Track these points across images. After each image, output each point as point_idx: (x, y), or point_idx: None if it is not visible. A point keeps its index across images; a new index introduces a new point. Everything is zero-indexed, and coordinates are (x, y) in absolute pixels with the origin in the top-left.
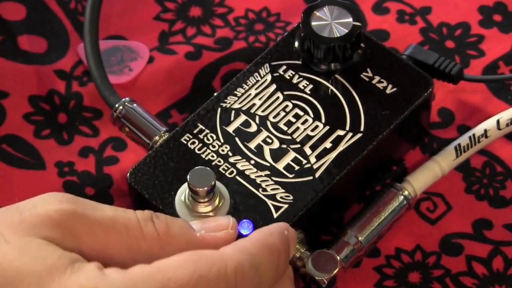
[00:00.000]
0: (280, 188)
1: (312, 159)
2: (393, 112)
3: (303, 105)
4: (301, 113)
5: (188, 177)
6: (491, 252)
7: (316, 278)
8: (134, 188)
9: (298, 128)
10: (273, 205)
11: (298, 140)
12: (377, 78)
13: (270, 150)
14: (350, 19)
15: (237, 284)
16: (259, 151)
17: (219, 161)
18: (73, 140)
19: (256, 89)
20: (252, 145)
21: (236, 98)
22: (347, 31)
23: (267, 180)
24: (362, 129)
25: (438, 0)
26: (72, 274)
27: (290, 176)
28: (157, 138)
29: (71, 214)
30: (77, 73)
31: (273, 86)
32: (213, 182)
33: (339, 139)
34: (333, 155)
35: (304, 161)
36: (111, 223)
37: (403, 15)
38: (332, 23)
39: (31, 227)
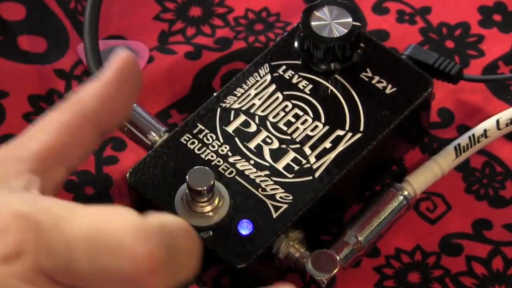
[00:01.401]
0: (280, 188)
1: (312, 159)
2: (392, 112)
3: (303, 105)
4: (301, 113)
5: (187, 177)
6: (490, 252)
7: (316, 278)
8: (134, 188)
9: (297, 128)
10: (272, 205)
11: (297, 140)
12: (376, 78)
13: (270, 150)
14: (350, 19)
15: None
16: (258, 151)
17: (219, 161)
18: None
19: (255, 89)
20: (252, 145)
21: (236, 98)
22: (346, 31)
23: (267, 180)
24: (361, 129)
25: (438, 0)
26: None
27: (290, 176)
28: (157, 138)
29: None
30: (77, 72)
31: (273, 86)
32: (212, 182)
33: (338, 139)
34: (332, 155)
35: (304, 161)
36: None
37: (403, 15)
38: (331, 23)
39: None
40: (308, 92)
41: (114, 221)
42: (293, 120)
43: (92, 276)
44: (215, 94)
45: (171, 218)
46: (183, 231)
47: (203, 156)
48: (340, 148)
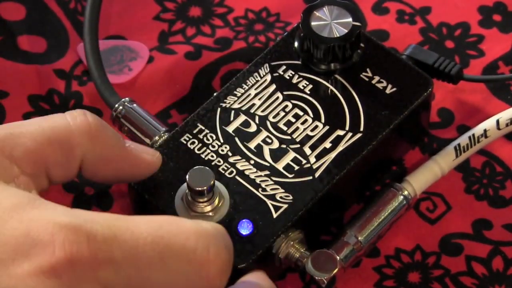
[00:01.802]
0: (280, 188)
1: (312, 159)
2: (392, 112)
3: (303, 105)
4: (301, 113)
5: (187, 176)
6: (490, 252)
7: (316, 278)
8: (134, 188)
9: (297, 128)
10: (272, 205)
11: (297, 140)
12: (376, 78)
13: (270, 150)
14: (350, 19)
15: None
16: (258, 151)
17: (219, 161)
18: None
19: (255, 89)
20: (252, 145)
21: (236, 98)
22: (346, 31)
23: (267, 180)
24: (361, 129)
25: (438, 0)
26: (34, 208)
27: (290, 176)
28: (156, 138)
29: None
30: (77, 72)
31: (273, 86)
32: (212, 182)
33: (338, 139)
34: (332, 155)
35: (304, 161)
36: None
37: (403, 15)
38: (331, 23)
39: None
40: (308, 92)
41: (175, 228)
42: (293, 120)
43: (163, 283)
44: (215, 94)
45: (211, 223)
46: (224, 233)
47: (203, 156)
48: (340, 148)
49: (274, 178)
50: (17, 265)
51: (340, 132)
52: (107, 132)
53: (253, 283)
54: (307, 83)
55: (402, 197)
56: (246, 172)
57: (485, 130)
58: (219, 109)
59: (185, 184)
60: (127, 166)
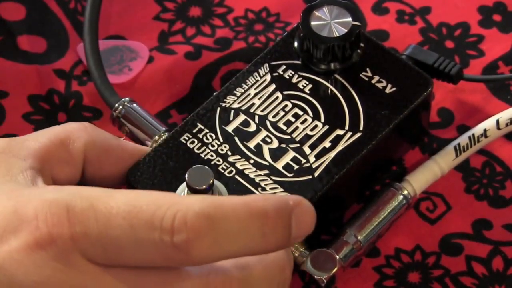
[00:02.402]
0: (279, 187)
1: (311, 159)
2: (392, 112)
3: (303, 104)
4: (301, 113)
5: (186, 175)
6: (490, 252)
7: (315, 277)
8: (134, 187)
9: (297, 127)
10: None
11: (297, 139)
12: (376, 78)
13: (269, 149)
14: (350, 19)
15: None
16: (258, 150)
17: (218, 161)
18: None
19: (255, 88)
20: (252, 144)
21: (236, 98)
22: (346, 30)
23: (266, 180)
24: (361, 128)
25: (438, 0)
26: (27, 188)
27: (289, 175)
28: (156, 137)
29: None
30: (77, 72)
31: (273, 86)
32: (211, 181)
33: (338, 139)
34: (332, 154)
35: (303, 161)
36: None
37: (403, 15)
38: (331, 23)
39: None
40: (308, 92)
41: (149, 198)
42: (292, 119)
43: (133, 251)
44: (215, 93)
45: (230, 198)
46: (234, 208)
47: (202, 155)
48: (340, 147)
49: (273, 178)
50: (4, 242)
51: (340, 132)
52: (101, 130)
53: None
54: (307, 82)
55: (401, 196)
56: (246, 172)
57: (485, 130)
58: (218, 109)
59: (184, 183)
60: (127, 156)
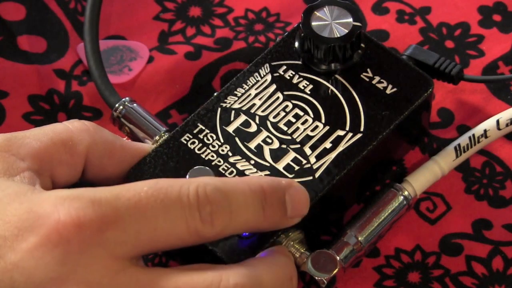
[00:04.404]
0: None
1: (312, 159)
2: (393, 112)
3: (303, 105)
4: (301, 113)
5: (187, 176)
6: (490, 252)
7: (316, 278)
8: None
9: (298, 128)
10: None
11: (298, 140)
12: (377, 78)
13: (270, 150)
14: (350, 19)
15: None
16: (259, 151)
17: (219, 161)
18: None
19: (256, 89)
20: (252, 145)
21: (236, 98)
22: (347, 31)
23: None
24: (362, 129)
25: (438, 0)
26: (34, 194)
27: (290, 176)
28: (157, 138)
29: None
30: (77, 72)
31: (273, 86)
32: None
33: (339, 139)
34: (333, 155)
35: (304, 161)
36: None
37: (403, 15)
38: (332, 23)
39: None
40: (309, 92)
41: (169, 180)
42: (293, 120)
43: (168, 230)
44: (215, 94)
45: (230, 178)
46: (237, 184)
47: (203, 156)
48: (341, 148)
49: None
50: (21, 240)
51: (341, 133)
52: (104, 130)
53: (274, 253)
54: (308, 83)
55: (402, 197)
56: (246, 172)
57: (485, 130)
58: (219, 109)
59: None
60: (129, 157)
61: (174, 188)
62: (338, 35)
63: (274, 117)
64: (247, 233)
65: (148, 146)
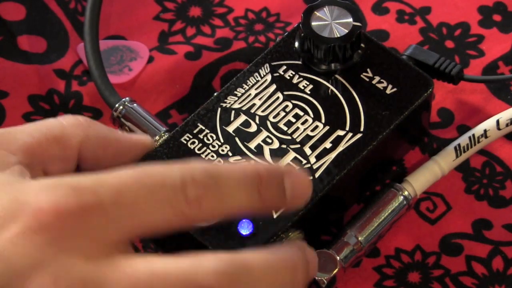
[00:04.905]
0: None
1: (312, 159)
2: (393, 112)
3: (303, 105)
4: (301, 113)
5: None
6: (490, 252)
7: (316, 278)
8: None
9: (298, 128)
10: None
11: (298, 140)
12: (377, 78)
13: (270, 150)
14: (350, 19)
15: None
16: (259, 151)
17: (219, 161)
18: None
19: (256, 89)
20: (252, 145)
21: (236, 98)
22: (347, 31)
23: None
24: (362, 129)
25: (438, 0)
26: (20, 183)
27: None
28: (157, 138)
29: None
30: (77, 72)
31: (273, 86)
32: None
33: (339, 139)
34: (333, 155)
35: (304, 161)
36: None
37: (403, 15)
38: (332, 23)
39: None
40: (309, 92)
41: (156, 166)
42: (293, 120)
43: (151, 215)
44: (215, 94)
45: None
46: (231, 169)
47: (203, 156)
48: (340, 148)
49: None
50: (4, 229)
51: (341, 133)
52: (98, 123)
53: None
54: (308, 83)
55: (402, 197)
56: None
57: (485, 130)
58: (219, 109)
59: None
60: (125, 149)
61: (158, 171)
62: (338, 35)
63: (274, 117)
64: (248, 233)
65: (144, 137)
